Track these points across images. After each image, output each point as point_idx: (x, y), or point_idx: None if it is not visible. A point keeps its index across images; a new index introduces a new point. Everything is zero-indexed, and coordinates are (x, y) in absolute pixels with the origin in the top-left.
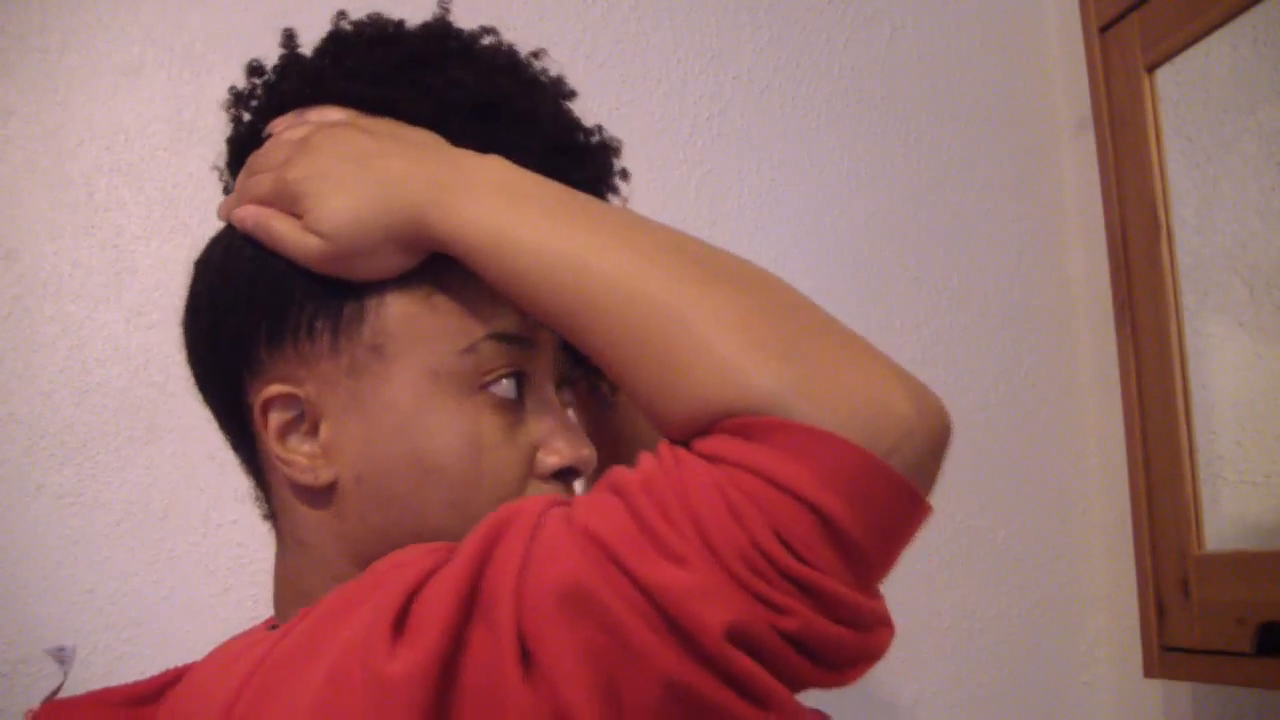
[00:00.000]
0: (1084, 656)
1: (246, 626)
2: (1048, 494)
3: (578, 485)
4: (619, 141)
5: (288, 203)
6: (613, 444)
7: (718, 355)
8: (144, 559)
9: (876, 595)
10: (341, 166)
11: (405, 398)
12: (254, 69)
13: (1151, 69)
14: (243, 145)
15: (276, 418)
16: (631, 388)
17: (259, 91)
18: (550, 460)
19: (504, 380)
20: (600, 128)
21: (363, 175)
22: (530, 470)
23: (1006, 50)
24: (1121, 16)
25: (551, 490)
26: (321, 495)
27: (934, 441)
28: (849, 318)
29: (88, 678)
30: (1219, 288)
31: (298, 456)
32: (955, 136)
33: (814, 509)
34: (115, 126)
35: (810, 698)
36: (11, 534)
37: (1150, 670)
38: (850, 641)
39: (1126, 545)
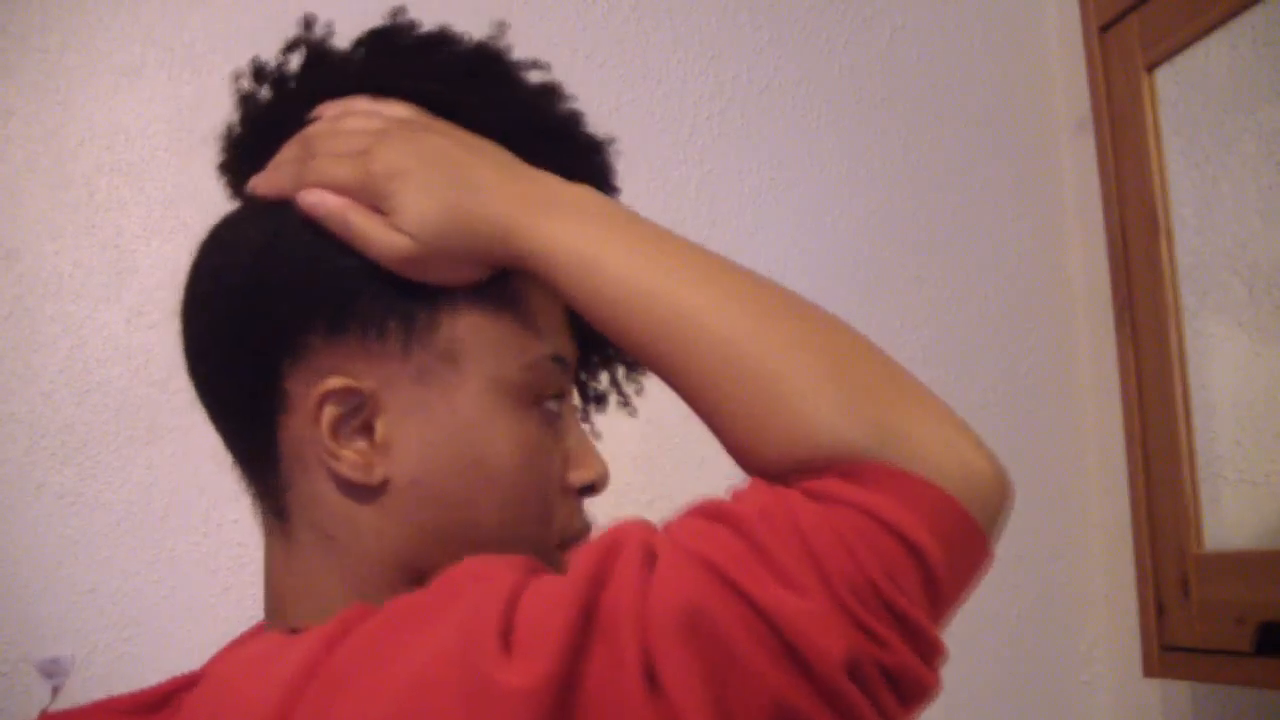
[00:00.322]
0: (1084, 656)
1: (248, 626)
2: (1048, 494)
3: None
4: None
5: (370, 196)
6: None
7: (816, 403)
8: (144, 559)
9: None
10: (432, 169)
11: (471, 405)
12: (290, 47)
13: (1151, 69)
14: (269, 125)
15: (331, 411)
16: (717, 425)
17: (288, 73)
18: (583, 476)
19: (552, 398)
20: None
21: (454, 182)
22: (563, 484)
23: (1006, 50)
24: (1121, 16)
25: (577, 502)
26: (369, 492)
27: (1004, 501)
28: (849, 318)
29: (88, 678)
30: (1219, 288)
31: (350, 452)
32: (955, 136)
33: (913, 548)
34: (115, 126)
35: None
36: (11, 534)
37: (1150, 670)
38: (927, 680)
39: (1126, 545)
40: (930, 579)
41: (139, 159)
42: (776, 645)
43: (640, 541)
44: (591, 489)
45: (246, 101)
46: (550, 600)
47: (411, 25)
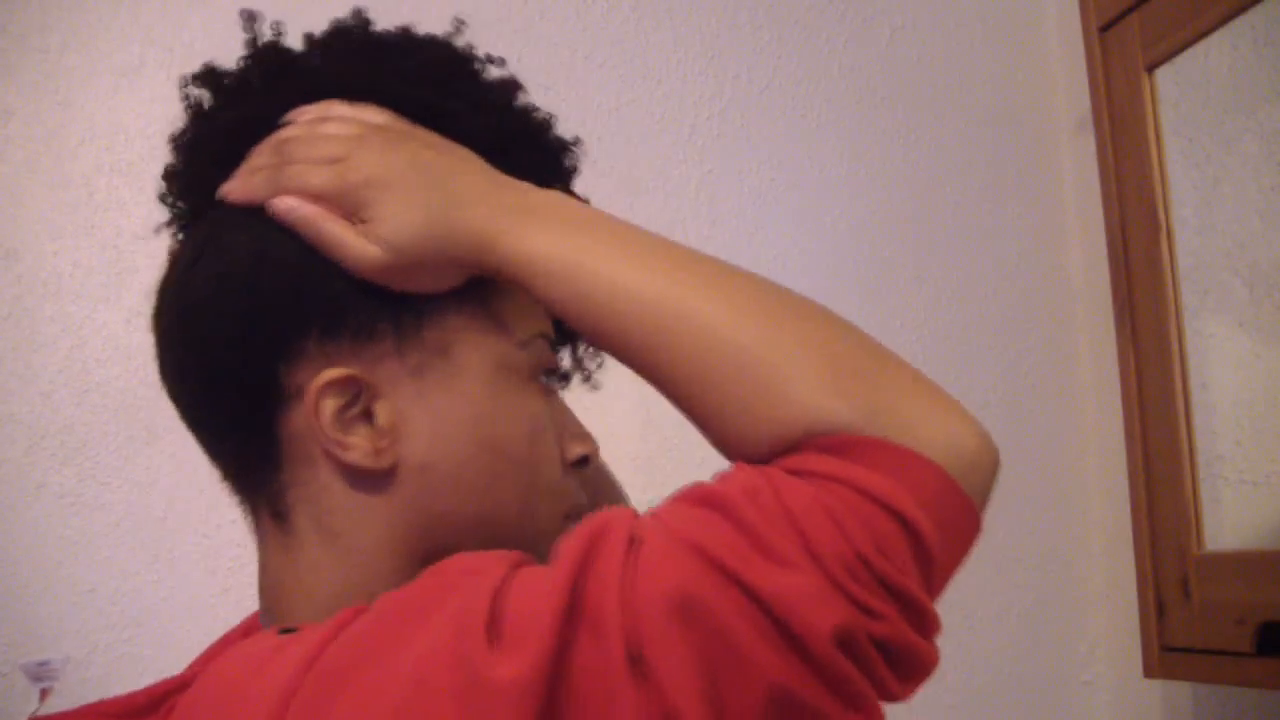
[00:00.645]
0: (1084, 656)
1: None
2: (1048, 494)
3: None
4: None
5: (347, 205)
6: None
7: (800, 384)
8: (144, 559)
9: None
10: (410, 179)
11: (477, 389)
12: (251, 51)
13: (1151, 69)
14: (231, 131)
15: (331, 403)
16: (702, 416)
17: (250, 79)
18: (578, 449)
19: (545, 374)
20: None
21: (433, 193)
22: (564, 457)
23: (1006, 50)
24: (1121, 16)
25: (576, 477)
26: (375, 481)
27: (994, 472)
28: (849, 317)
29: (88, 678)
30: (1219, 288)
31: (357, 439)
32: (955, 136)
33: (905, 523)
34: (115, 126)
35: None
36: (11, 534)
37: (1150, 670)
38: (924, 653)
39: (1126, 545)
40: (921, 551)
41: (139, 159)
42: (768, 625)
43: (625, 528)
44: (586, 461)
45: (202, 108)
46: (537, 591)
47: (372, 26)
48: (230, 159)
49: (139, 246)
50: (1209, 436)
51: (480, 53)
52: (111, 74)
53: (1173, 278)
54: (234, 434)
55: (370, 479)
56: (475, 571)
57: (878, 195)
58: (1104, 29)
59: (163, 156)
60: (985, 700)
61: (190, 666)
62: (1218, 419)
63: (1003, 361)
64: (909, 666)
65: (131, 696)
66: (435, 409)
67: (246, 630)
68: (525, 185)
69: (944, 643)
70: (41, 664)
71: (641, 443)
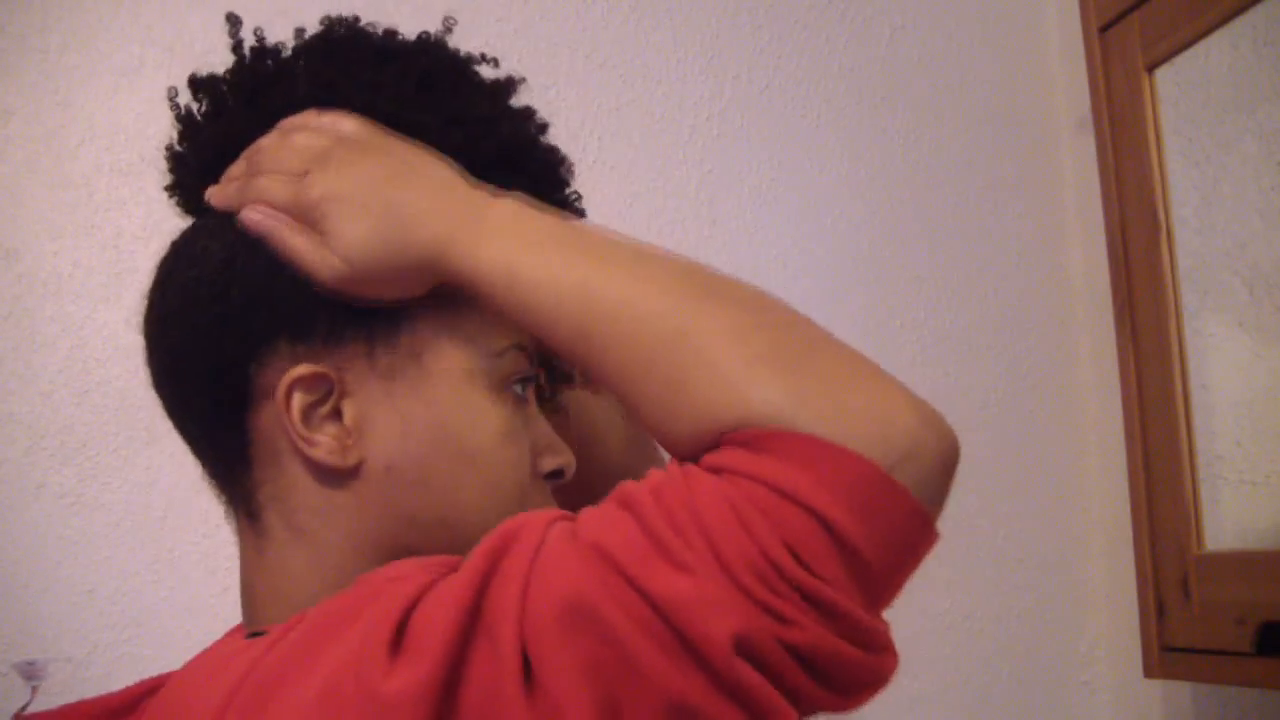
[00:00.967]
0: (1084, 656)
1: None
2: (1048, 494)
3: None
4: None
5: (307, 219)
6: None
7: (721, 371)
8: (144, 559)
9: (882, 619)
10: (364, 195)
11: (445, 394)
12: (237, 58)
13: (1151, 69)
14: (209, 134)
15: (301, 399)
16: (641, 411)
17: (235, 84)
18: (552, 461)
19: (519, 384)
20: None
21: (384, 209)
22: (534, 469)
23: (1006, 50)
24: (1121, 16)
25: (546, 488)
26: (342, 479)
27: (941, 459)
28: (849, 317)
29: (87, 678)
30: (1219, 288)
31: (324, 437)
32: (955, 136)
33: (820, 519)
34: (115, 126)
35: None
36: (11, 534)
37: (1150, 670)
38: (857, 662)
39: (1126, 545)
40: (848, 551)
41: (139, 159)
42: (665, 634)
43: (537, 531)
44: (560, 474)
45: (191, 117)
46: (441, 601)
47: (359, 31)
48: (217, 169)
49: (139, 246)
50: (1209, 436)
51: (475, 53)
52: (111, 74)
53: (1173, 278)
54: (209, 433)
55: (337, 477)
56: (399, 579)
57: (878, 195)
58: (1104, 29)
59: (162, 157)
60: (985, 700)
61: (175, 671)
62: (1218, 419)
63: (1003, 361)
64: (841, 677)
65: (110, 696)
66: (402, 411)
67: (232, 634)
68: (479, 195)
69: (944, 642)
70: (30, 664)
71: None
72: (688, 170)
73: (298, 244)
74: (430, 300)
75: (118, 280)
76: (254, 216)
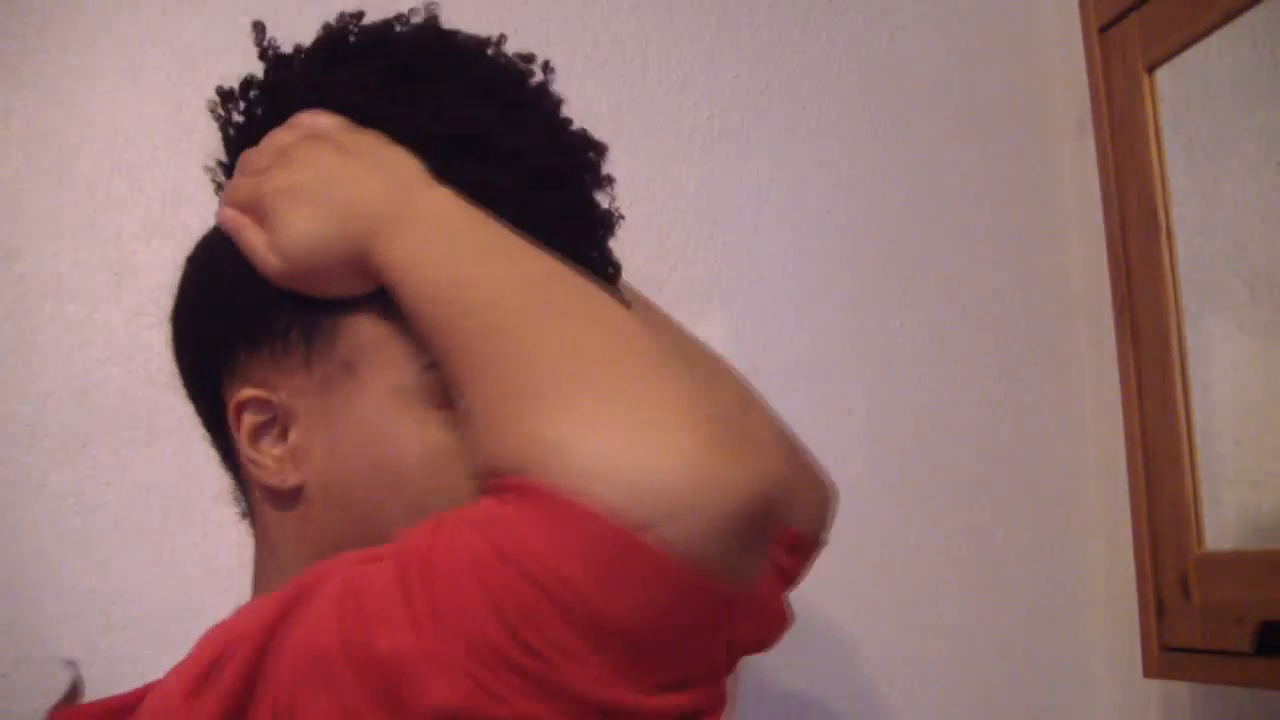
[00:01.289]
0: (1084, 656)
1: None
2: (1048, 494)
3: None
4: (603, 147)
5: (260, 214)
6: None
7: (485, 417)
8: (144, 559)
9: (672, 688)
10: (308, 187)
11: (372, 412)
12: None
13: (1151, 69)
14: (239, 142)
15: (250, 419)
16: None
17: (256, 89)
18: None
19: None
20: (585, 140)
21: (324, 200)
22: (475, 489)
23: (1006, 50)
24: (1121, 16)
25: None
26: (288, 499)
27: (720, 519)
28: (849, 318)
29: (88, 678)
30: (1219, 288)
31: (266, 459)
32: (955, 136)
33: (546, 587)
34: (115, 126)
35: (811, 706)
36: (11, 534)
37: (1150, 670)
38: None
39: (1126, 545)
40: (588, 620)
41: (139, 159)
42: (385, 692)
43: (327, 577)
44: None
45: (226, 120)
46: (240, 643)
47: (358, 29)
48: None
49: (139, 246)
50: (1209, 436)
51: (460, 40)
52: (111, 74)
53: (1173, 278)
54: (209, 433)
55: (282, 498)
56: (244, 614)
57: (878, 195)
58: (1104, 29)
59: (163, 157)
60: (985, 700)
61: None
62: (1218, 419)
63: (1003, 361)
64: None
65: (110, 700)
66: (334, 429)
67: None
68: (414, 188)
69: (943, 642)
70: (70, 662)
71: None
72: (688, 170)
73: (250, 239)
74: (374, 306)
75: (118, 280)
76: (223, 215)
